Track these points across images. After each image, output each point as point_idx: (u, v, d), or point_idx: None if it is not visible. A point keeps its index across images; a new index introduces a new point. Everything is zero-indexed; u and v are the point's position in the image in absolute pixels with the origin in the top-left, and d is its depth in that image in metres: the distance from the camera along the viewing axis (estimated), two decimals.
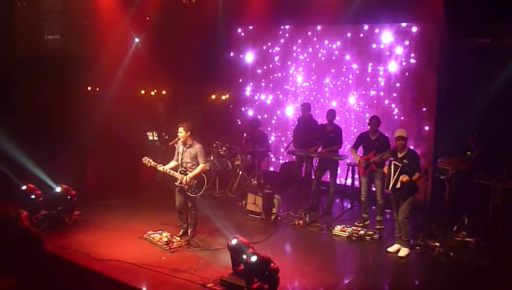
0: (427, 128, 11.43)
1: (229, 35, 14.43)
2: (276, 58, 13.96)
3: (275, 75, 14.04)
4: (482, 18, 9.13)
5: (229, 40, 14.50)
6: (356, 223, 10.25)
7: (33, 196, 9.65)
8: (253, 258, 6.95)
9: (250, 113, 14.58)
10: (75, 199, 10.03)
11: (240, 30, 14.47)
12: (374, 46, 12.14)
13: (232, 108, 14.96)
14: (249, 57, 14.46)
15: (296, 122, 12.49)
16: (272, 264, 6.97)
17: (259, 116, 14.01)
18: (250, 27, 14.17)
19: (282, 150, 12.97)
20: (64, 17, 13.34)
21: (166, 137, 13.23)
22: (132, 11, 13.04)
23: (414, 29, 11.54)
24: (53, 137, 11.96)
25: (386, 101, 12.05)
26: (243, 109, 14.87)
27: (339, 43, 12.76)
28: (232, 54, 14.65)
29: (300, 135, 11.83)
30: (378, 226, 10.07)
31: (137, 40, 13.62)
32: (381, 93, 12.13)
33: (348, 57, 12.60)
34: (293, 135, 12.20)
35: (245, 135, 13.19)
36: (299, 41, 13.45)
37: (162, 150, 12.99)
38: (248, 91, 14.70)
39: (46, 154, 10.95)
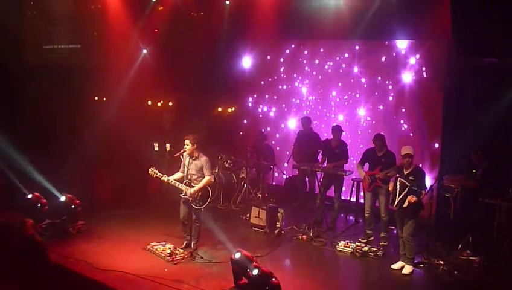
0: (436, 145, 11.40)
1: (235, 48, 14.49)
2: (282, 69, 13.95)
3: (280, 87, 14.06)
4: (489, 38, 9.15)
5: (235, 53, 14.55)
6: (360, 239, 10.19)
7: (39, 205, 9.68)
8: (255, 272, 6.93)
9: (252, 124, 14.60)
10: (79, 209, 10.04)
11: (245, 42, 14.50)
12: (383, 59, 12.16)
13: (240, 122, 14.97)
14: (255, 68, 14.49)
15: (296, 136, 12.47)
16: (274, 279, 6.94)
17: (267, 129, 14.00)
18: (256, 39, 14.15)
19: (285, 164, 12.95)
20: (73, 26, 13.43)
21: (172, 149, 13.26)
22: (141, 22, 13.12)
23: (422, 46, 11.57)
24: (59, 146, 12.01)
25: (394, 117, 12.05)
26: (244, 121, 14.91)
27: (346, 55, 12.76)
28: (237, 66, 14.68)
29: (300, 149, 11.82)
30: (383, 243, 10.02)
31: (145, 51, 13.68)
32: (388, 109, 12.14)
33: (355, 70, 12.60)
34: (293, 149, 12.18)
35: (248, 148, 13.20)
36: (306, 52, 13.48)
37: (167, 161, 13.02)
38: (251, 103, 14.72)
39: (52, 164, 10.99)
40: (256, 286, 6.92)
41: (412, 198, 8.48)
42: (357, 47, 12.60)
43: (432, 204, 9.73)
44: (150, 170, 9.08)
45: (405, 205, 8.58)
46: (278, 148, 13.81)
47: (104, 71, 12.69)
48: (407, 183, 8.58)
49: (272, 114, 14.31)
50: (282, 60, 13.94)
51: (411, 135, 11.78)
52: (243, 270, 7.16)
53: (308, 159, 11.37)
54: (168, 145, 13.70)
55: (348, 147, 11.10)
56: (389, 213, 9.95)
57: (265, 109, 14.42)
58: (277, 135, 14.15)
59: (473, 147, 9.73)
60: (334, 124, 11.33)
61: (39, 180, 10.63)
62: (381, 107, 12.29)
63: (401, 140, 11.54)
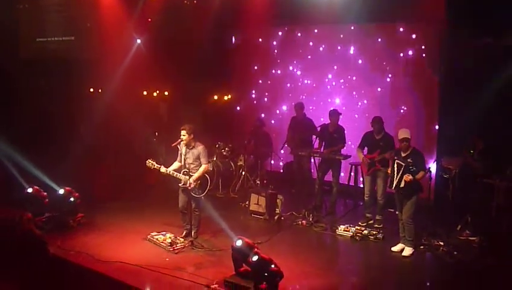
0: (436, 127, 11.42)
1: (228, 35, 14.43)
2: (275, 52, 13.93)
3: (273, 71, 14.03)
4: (485, 18, 9.12)
5: (228, 39, 14.49)
6: (360, 223, 10.24)
7: (39, 198, 9.68)
8: (254, 258, 6.95)
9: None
10: (78, 201, 10.03)
11: (238, 29, 14.41)
12: (379, 41, 12.15)
13: (234, 109, 14.95)
14: (247, 54, 14.47)
15: (290, 122, 12.45)
16: (273, 265, 6.95)
17: (261, 115, 13.97)
18: (249, 25, 13.98)
19: (282, 151, 12.94)
20: (66, 18, 13.33)
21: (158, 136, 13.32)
22: (134, 12, 13.04)
23: (417, 28, 11.55)
24: (55, 139, 11.98)
25: (391, 100, 12.05)
26: (238, 108, 14.90)
27: (341, 36, 12.74)
28: (230, 52, 14.62)
29: (294, 135, 11.79)
30: (377, 225, 10.10)
31: (139, 41, 13.61)
32: (385, 92, 12.13)
33: (351, 51, 12.58)
34: (287, 135, 12.12)
35: (248, 136, 13.20)
36: (299, 34, 13.46)
37: (164, 151, 13.02)
38: (247, 91, 14.71)
39: (49, 157, 10.97)
40: (256, 273, 6.94)
41: (407, 177, 8.49)
42: (352, 27, 12.55)
43: (430, 186, 9.76)
44: (147, 161, 9.08)
45: (402, 185, 8.60)
46: (273, 135, 13.80)
47: (98, 62, 12.62)
48: (402, 163, 8.59)
49: (265, 99, 14.27)
50: (275, 43, 13.90)
51: (408, 117, 11.78)
52: (244, 257, 7.18)
53: (302, 145, 11.33)
54: (159, 134, 13.73)
55: (345, 131, 11.08)
56: (386, 196, 10.00)
57: (259, 94, 14.39)
58: (272, 121, 14.13)
59: (469, 129, 9.74)
60: (331, 109, 11.30)
61: (37, 174, 10.61)
62: (378, 89, 12.28)
63: (399, 122, 11.55)
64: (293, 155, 12.05)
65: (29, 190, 9.79)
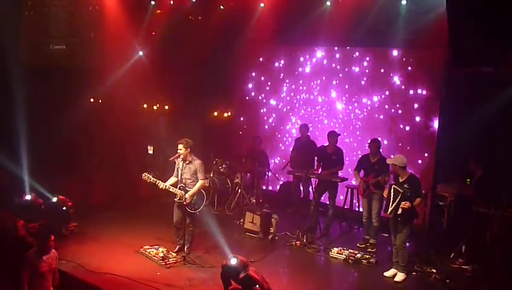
0: (426, 154, 11.46)
1: (232, 52, 14.49)
2: (281, 75, 14.02)
3: (278, 90, 14.10)
4: (486, 47, 9.18)
5: (232, 57, 14.57)
6: (358, 245, 10.31)
7: (35, 205, 9.65)
8: (242, 275, 6.84)
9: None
10: (71, 210, 10.00)
11: (243, 47, 14.51)
12: (379, 67, 12.24)
13: (237, 126, 14.97)
14: (251, 72, 14.56)
15: (294, 143, 12.48)
16: (257, 286, 6.83)
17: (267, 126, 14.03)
18: (253, 43, 14.15)
19: (284, 171, 12.94)
20: (71, 27, 13.39)
21: (154, 150, 13.33)
22: (138, 25, 13.11)
23: (418, 53, 11.63)
24: (53, 147, 11.95)
25: (390, 125, 12.09)
26: (241, 118, 14.93)
27: (343, 58, 12.82)
28: (234, 70, 14.70)
29: (298, 156, 11.83)
30: (370, 249, 10.08)
31: (141, 53, 13.67)
32: (385, 117, 12.19)
33: (352, 73, 12.65)
34: (291, 156, 12.20)
35: (244, 152, 13.22)
36: (301, 59, 13.55)
37: (161, 165, 13.00)
38: (249, 109, 14.75)
39: (45, 165, 10.94)
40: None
41: (405, 204, 8.48)
42: (356, 53, 12.65)
43: (425, 212, 9.76)
44: (143, 175, 9.07)
45: (399, 212, 8.59)
46: (278, 158, 13.88)
47: (100, 73, 12.65)
48: (400, 190, 8.60)
49: (270, 120, 14.32)
50: (276, 64, 14.02)
51: (406, 143, 11.80)
52: (236, 275, 7.12)
53: (304, 166, 11.37)
54: (150, 147, 13.73)
55: (344, 154, 11.10)
56: (381, 219, 10.00)
57: (264, 110, 14.43)
58: (279, 144, 14.17)
59: (470, 155, 9.77)
60: (330, 131, 11.32)
61: (31, 182, 10.56)
62: (377, 116, 12.31)
63: (396, 149, 11.57)
64: (292, 175, 12.06)
65: (28, 197, 9.76)
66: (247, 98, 14.80)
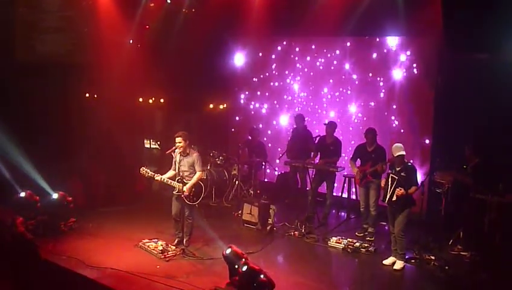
0: (427, 141, 11.45)
1: (226, 45, 14.46)
2: (273, 66, 13.95)
3: (272, 84, 14.04)
4: (481, 33, 9.17)
5: (226, 50, 14.53)
6: (356, 234, 10.36)
7: (31, 202, 9.64)
8: (244, 268, 6.93)
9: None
10: (71, 206, 10.02)
11: (237, 39, 14.46)
12: (374, 56, 12.17)
13: (232, 119, 14.94)
14: (246, 65, 14.49)
15: (291, 133, 12.48)
16: (262, 276, 6.92)
17: (259, 126, 13.99)
18: (247, 36, 14.05)
19: (277, 161, 12.99)
20: (64, 23, 13.32)
21: (154, 144, 13.28)
22: (132, 19, 13.06)
23: (413, 42, 11.61)
24: (50, 143, 11.93)
25: (385, 113, 12.07)
26: (237, 118, 14.90)
27: (338, 52, 12.77)
28: (229, 62, 14.66)
29: (294, 146, 11.83)
30: (369, 238, 10.11)
31: (136, 47, 13.60)
32: (380, 105, 12.16)
33: (347, 67, 12.61)
34: (287, 146, 12.17)
35: (240, 144, 13.20)
36: (297, 49, 13.48)
37: (158, 158, 12.99)
38: (243, 100, 14.70)
39: (43, 161, 10.93)
40: (245, 283, 6.92)
41: (399, 191, 8.51)
42: (348, 44, 12.61)
43: (423, 200, 9.79)
44: (141, 169, 9.07)
45: (394, 198, 8.62)
46: (269, 144, 13.80)
47: (95, 68, 12.60)
48: (396, 177, 8.62)
49: (263, 111, 14.29)
50: (273, 56, 13.93)
51: (402, 131, 11.81)
52: (232, 266, 7.17)
53: (300, 156, 11.38)
54: (147, 141, 13.72)
55: (341, 145, 11.10)
56: (378, 208, 10.04)
57: (257, 105, 14.39)
58: (269, 132, 14.12)
59: (464, 144, 9.78)
60: (326, 121, 11.33)
61: (31, 177, 10.57)
62: (372, 103, 12.30)
63: (393, 136, 11.57)
64: (289, 166, 12.07)
65: (22, 194, 9.76)
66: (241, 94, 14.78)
